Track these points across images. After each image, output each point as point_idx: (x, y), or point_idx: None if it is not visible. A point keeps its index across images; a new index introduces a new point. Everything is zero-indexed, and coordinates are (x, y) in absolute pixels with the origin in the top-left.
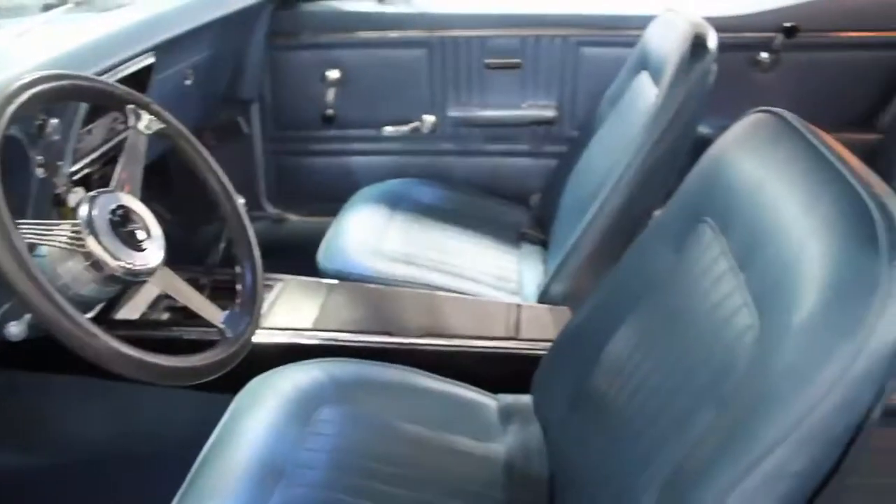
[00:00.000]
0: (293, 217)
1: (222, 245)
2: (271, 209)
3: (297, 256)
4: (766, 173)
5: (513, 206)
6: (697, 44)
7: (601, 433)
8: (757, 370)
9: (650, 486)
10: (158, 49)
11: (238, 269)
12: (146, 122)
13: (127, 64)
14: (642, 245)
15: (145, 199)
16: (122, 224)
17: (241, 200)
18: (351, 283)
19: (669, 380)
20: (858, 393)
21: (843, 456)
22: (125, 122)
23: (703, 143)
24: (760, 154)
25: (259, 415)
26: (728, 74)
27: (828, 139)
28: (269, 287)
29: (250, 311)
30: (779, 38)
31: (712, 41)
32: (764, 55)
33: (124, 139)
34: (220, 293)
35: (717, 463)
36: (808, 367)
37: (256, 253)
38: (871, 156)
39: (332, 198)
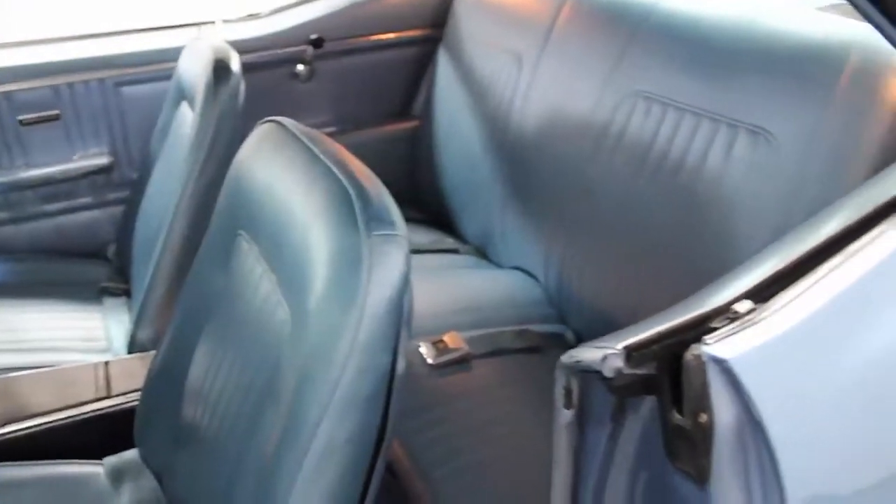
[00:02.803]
0: None
1: None
2: None
3: None
4: (273, 178)
5: (90, 263)
6: (220, 67)
7: (203, 461)
8: (294, 358)
9: (245, 496)
10: None
11: None
12: None
13: None
14: (197, 270)
15: None
16: None
17: None
18: None
19: (238, 390)
20: (373, 355)
21: (385, 414)
22: None
23: None
24: (267, 161)
25: None
26: (273, 89)
27: (321, 138)
28: None
29: None
30: (309, 50)
31: (235, 63)
32: (301, 67)
33: None
34: None
35: (282, 453)
36: (327, 342)
37: None
38: (414, 139)
39: None
